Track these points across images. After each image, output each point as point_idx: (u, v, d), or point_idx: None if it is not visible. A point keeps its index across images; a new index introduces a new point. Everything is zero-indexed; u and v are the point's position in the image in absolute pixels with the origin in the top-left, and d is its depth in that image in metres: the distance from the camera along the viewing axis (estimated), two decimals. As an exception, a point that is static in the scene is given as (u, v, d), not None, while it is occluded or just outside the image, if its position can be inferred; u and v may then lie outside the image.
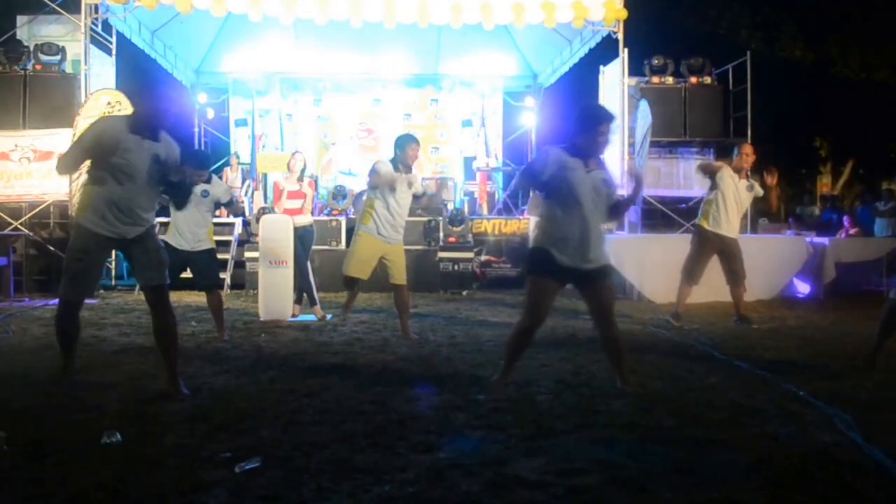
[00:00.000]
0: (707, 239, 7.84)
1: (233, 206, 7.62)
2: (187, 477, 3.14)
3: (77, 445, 3.54)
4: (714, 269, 7.97)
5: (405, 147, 6.85)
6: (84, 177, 4.76)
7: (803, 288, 10.70)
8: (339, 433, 3.76)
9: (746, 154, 7.93)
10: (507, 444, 3.60)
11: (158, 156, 4.49)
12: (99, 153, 4.39)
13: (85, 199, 4.53)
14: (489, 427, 3.89)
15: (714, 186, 7.87)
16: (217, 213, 7.91)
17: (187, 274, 6.97)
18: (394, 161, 6.83)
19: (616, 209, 4.78)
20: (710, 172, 8.00)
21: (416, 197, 7.10)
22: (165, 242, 6.47)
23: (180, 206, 6.12)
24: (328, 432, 3.77)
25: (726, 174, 7.84)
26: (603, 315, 4.69)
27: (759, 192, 7.93)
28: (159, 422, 3.98)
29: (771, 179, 7.89)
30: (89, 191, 4.51)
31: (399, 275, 6.95)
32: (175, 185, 4.68)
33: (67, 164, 4.56)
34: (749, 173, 8.01)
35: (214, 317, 7.01)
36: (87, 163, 4.54)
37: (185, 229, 6.78)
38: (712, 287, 8.38)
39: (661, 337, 7.13)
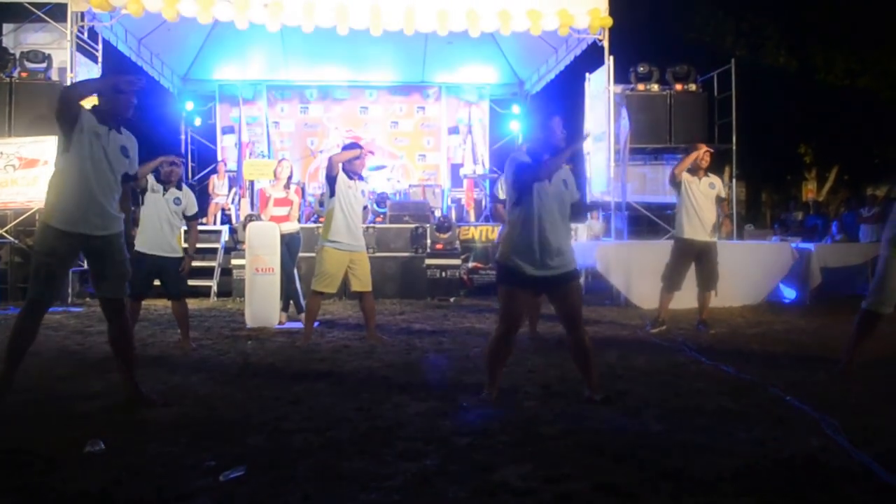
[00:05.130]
0: (683, 246, 7.87)
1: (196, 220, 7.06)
2: (171, 485, 3.11)
3: (61, 454, 3.50)
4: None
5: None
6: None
7: (789, 293, 10.74)
8: (325, 440, 3.74)
9: (702, 153, 7.93)
10: (494, 450, 3.59)
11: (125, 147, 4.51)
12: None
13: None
14: (476, 433, 3.87)
15: (679, 195, 7.92)
16: (204, 220, 7.83)
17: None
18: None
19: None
20: (676, 184, 7.99)
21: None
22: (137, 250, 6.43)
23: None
24: (314, 440, 3.75)
25: (685, 179, 7.87)
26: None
27: (722, 192, 7.96)
28: (143, 430, 3.95)
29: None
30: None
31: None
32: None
33: None
34: (708, 172, 8.00)
35: (180, 324, 6.87)
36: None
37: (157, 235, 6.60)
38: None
39: (648, 342, 7.13)
